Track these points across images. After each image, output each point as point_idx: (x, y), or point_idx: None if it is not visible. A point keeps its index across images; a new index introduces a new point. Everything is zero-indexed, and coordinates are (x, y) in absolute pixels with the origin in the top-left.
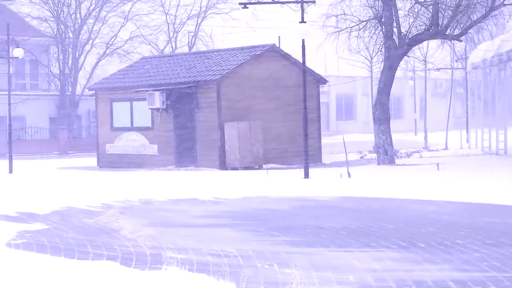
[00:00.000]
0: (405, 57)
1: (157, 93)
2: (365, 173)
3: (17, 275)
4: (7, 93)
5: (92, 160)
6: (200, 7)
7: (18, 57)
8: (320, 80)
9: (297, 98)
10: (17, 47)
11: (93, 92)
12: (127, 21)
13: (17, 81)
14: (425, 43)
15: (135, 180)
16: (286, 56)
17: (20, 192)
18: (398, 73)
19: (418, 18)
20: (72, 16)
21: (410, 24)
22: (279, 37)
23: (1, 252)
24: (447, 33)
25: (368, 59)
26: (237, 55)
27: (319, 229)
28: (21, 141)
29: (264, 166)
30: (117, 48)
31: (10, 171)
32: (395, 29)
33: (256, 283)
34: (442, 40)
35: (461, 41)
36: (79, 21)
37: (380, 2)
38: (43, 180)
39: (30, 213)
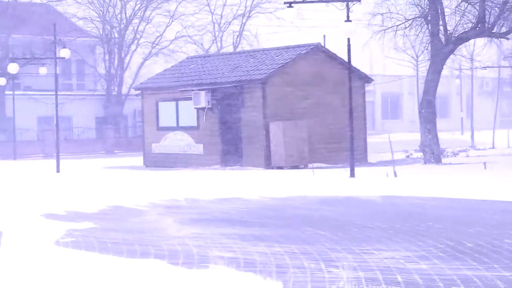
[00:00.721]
0: (451, 55)
1: (202, 92)
2: (411, 172)
3: (66, 273)
4: (54, 93)
5: (138, 160)
6: (245, 7)
7: (64, 58)
8: (366, 79)
9: (343, 97)
10: (64, 47)
11: (139, 91)
12: (172, 21)
13: (63, 81)
14: (471, 41)
15: (181, 179)
16: (331, 55)
17: (67, 191)
18: (445, 71)
19: (465, 16)
20: (118, 16)
21: (457, 22)
22: (324, 36)
23: (50, 251)
24: (494, 31)
25: (414, 58)
26: (282, 54)
27: (366, 228)
28: (68, 141)
29: (310, 165)
30: (162, 48)
31: (58, 171)
32: (441, 27)
33: (303, 282)
34: (489, 38)
35: (508, 39)
36: (125, 21)
37: (426, 0)
38: (90, 180)
39: (78, 212)
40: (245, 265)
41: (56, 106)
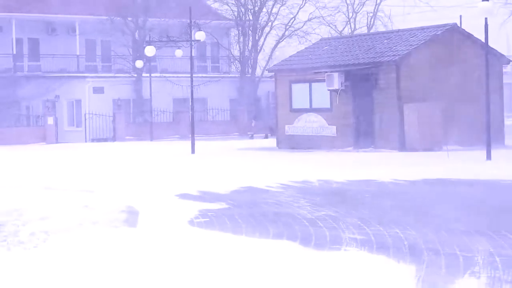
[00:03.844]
0: None
1: (336, 74)
2: None
3: (200, 253)
4: (189, 75)
5: (271, 141)
6: None
7: (200, 40)
8: (503, 60)
9: (479, 79)
10: (199, 30)
11: (272, 73)
12: (305, 2)
13: (199, 63)
14: None
15: (313, 161)
16: (467, 36)
17: (202, 172)
18: None
19: None
20: None
21: None
22: (460, 16)
23: (184, 230)
24: None
25: None
26: (417, 35)
27: (503, 212)
28: (203, 122)
29: (444, 147)
30: (296, 30)
31: (193, 152)
32: None
33: (436, 266)
34: None
35: None
36: (259, 3)
37: None
38: (224, 161)
39: (211, 193)
40: (377, 248)
41: (192, 88)
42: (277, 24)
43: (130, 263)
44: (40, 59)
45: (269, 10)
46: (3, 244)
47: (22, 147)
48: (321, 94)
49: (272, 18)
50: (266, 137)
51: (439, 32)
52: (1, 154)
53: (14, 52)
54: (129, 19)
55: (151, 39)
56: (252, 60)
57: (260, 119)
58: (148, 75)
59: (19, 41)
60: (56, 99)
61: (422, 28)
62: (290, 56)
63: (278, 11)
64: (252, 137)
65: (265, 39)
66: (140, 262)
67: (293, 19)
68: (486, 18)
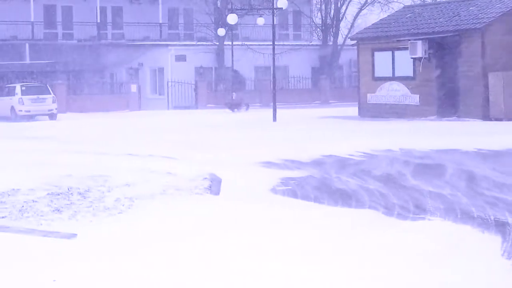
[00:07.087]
0: None
1: (419, 42)
2: None
3: (282, 221)
4: (271, 43)
5: (353, 110)
6: None
7: (282, 8)
8: None
9: None
10: None
11: (354, 42)
12: None
13: (280, 31)
14: None
15: (396, 129)
16: None
17: (283, 139)
18: None
19: None
20: None
21: None
22: None
23: (267, 198)
24: None
25: None
26: (504, 2)
27: None
28: (284, 90)
29: None
30: None
31: (274, 120)
32: None
33: None
34: None
35: None
36: None
37: None
38: (306, 129)
39: (293, 160)
40: (462, 217)
41: (273, 56)
42: None
43: (214, 230)
44: (124, 27)
45: None
46: (89, 210)
47: (106, 114)
48: (404, 62)
49: None
50: (247, 109)
51: None
52: (86, 121)
53: (98, 21)
54: None
55: (233, 7)
56: (334, 28)
57: (240, 91)
58: (230, 43)
59: (103, 10)
60: (139, 66)
61: None
62: (373, 24)
63: None
64: (233, 110)
65: (347, 7)
66: (224, 229)
67: None
68: None
